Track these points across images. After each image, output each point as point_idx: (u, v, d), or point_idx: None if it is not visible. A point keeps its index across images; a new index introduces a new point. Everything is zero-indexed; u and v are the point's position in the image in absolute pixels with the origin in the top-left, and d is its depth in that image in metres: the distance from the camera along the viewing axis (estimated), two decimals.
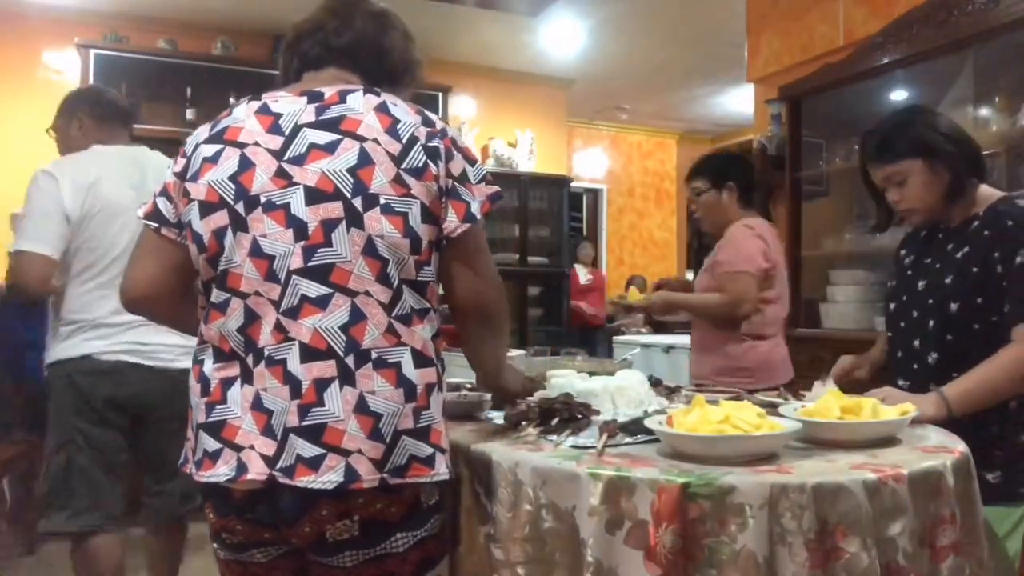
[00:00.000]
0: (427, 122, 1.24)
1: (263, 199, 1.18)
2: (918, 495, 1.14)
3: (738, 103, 6.95)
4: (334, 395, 1.13)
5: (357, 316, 1.15)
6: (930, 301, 1.67)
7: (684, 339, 4.43)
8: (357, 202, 1.16)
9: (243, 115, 1.25)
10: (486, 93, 6.56)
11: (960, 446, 1.31)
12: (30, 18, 5.20)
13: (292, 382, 1.14)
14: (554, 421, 1.38)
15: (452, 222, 1.22)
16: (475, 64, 6.36)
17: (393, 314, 1.17)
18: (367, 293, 1.16)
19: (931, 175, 1.65)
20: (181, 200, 1.23)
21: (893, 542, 1.09)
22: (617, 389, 1.57)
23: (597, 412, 1.48)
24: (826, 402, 1.37)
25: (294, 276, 1.15)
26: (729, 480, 1.06)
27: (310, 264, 1.15)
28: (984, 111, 2.89)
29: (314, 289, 1.15)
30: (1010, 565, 1.55)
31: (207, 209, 1.19)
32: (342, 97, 1.23)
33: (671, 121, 8.32)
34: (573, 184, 6.98)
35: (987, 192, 1.71)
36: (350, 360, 1.14)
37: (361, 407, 1.14)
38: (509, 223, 6.30)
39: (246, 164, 1.19)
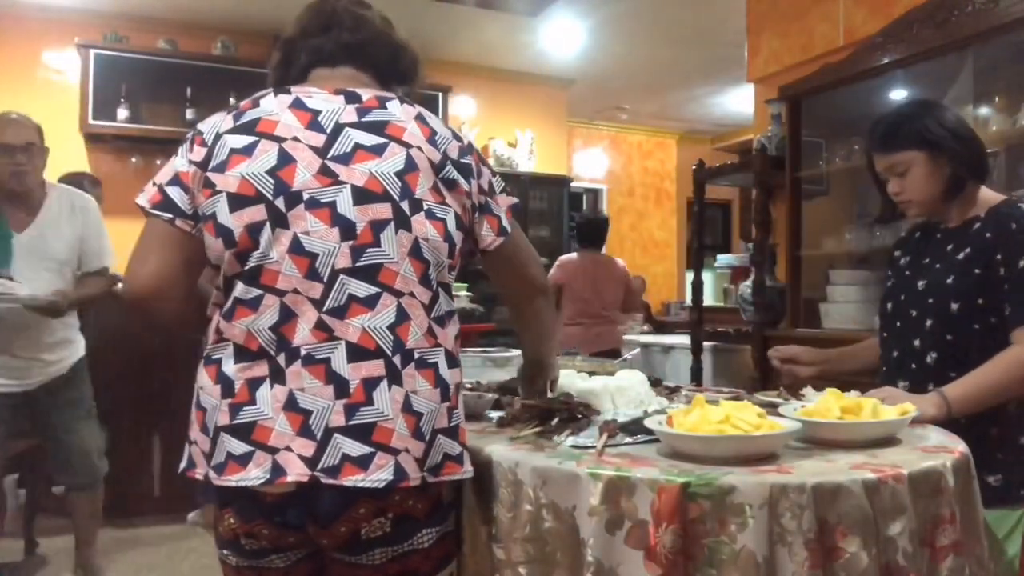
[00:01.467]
0: (456, 136, 1.28)
1: (306, 196, 1.15)
2: (918, 495, 1.14)
3: (738, 103, 6.95)
4: (383, 394, 1.13)
5: (402, 316, 1.17)
6: (930, 300, 1.66)
7: (684, 339, 4.44)
8: (404, 205, 1.18)
9: (275, 108, 1.22)
10: (486, 93, 6.57)
11: (960, 446, 1.31)
12: (30, 18, 5.20)
13: (337, 381, 1.13)
14: (554, 421, 1.38)
15: (488, 236, 1.30)
16: (475, 64, 6.36)
17: (432, 315, 1.20)
18: (411, 294, 1.18)
19: (932, 168, 1.65)
20: (202, 191, 1.18)
21: (893, 542, 1.09)
22: (617, 389, 1.57)
23: (597, 412, 1.48)
24: (826, 402, 1.37)
25: (341, 275, 1.14)
26: (729, 480, 1.06)
27: (358, 264, 1.15)
28: (984, 111, 2.88)
29: (362, 289, 1.15)
30: (1009, 566, 1.54)
31: (239, 202, 1.15)
32: (382, 103, 1.24)
33: (671, 121, 8.33)
34: (573, 184, 6.99)
35: (988, 194, 1.71)
36: (397, 359, 1.15)
37: (407, 406, 1.15)
38: None
39: (286, 159, 1.17)
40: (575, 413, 1.41)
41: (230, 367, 1.16)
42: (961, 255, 1.65)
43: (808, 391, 1.61)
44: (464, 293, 4.44)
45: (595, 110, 7.85)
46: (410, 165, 1.20)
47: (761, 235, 3.71)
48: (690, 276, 4.50)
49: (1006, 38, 2.76)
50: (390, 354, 1.15)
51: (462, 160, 1.26)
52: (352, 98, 1.24)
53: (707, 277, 4.59)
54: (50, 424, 2.83)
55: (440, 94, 6.07)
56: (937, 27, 2.90)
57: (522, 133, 6.55)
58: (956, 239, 1.69)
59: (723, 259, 5.25)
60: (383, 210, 1.17)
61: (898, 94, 3.31)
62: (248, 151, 1.17)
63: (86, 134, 5.20)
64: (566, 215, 6.58)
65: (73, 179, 3.83)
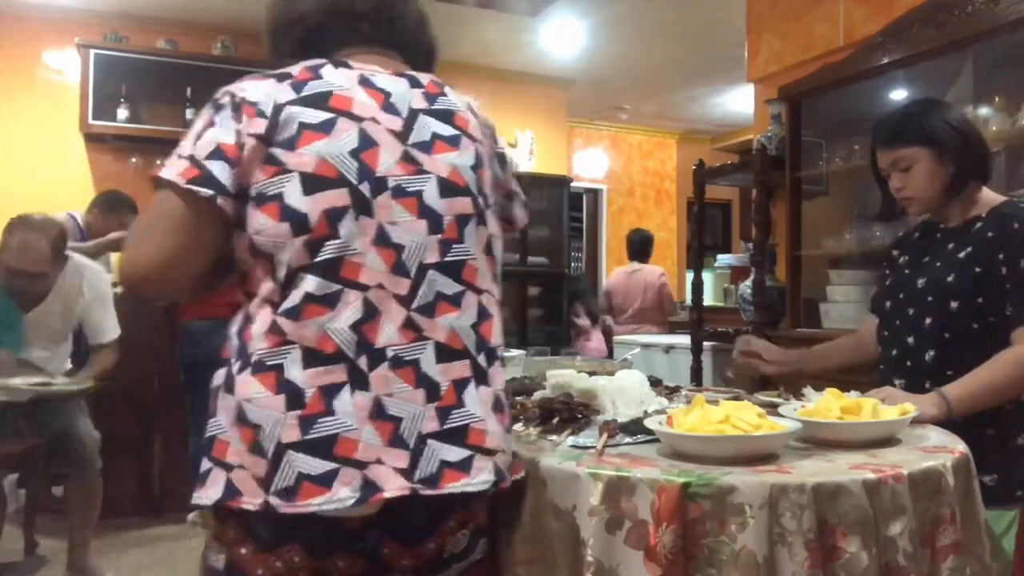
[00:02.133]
0: (491, 126, 1.26)
1: (391, 183, 1.08)
2: (918, 495, 1.14)
3: (738, 103, 6.95)
4: (472, 395, 1.09)
5: (483, 314, 1.13)
6: (929, 299, 1.67)
7: (684, 339, 4.44)
8: (480, 201, 1.16)
9: (345, 83, 1.11)
10: (486, 93, 6.48)
11: (960, 446, 1.31)
12: (30, 18, 5.20)
13: (427, 384, 1.06)
14: (554, 421, 1.38)
15: (521, 219, 1.32)
16: (475, 64, 6.35)
17: (501, 312, 1.18)
18: (488, 292, 1.15)
19: (936, 165, 1.66)
20: (262, 168, 1.05)
21: (893, 542, 1.09)
22: (617, 389, 1.57)
23: (597, 412, 1.48)
24: (826, 402, 1.37)
25: (430, 271, 1.08)
26: (729, 480, 1.06)
27: (446, 259, 1.10)
28: (984, 111, 2.88)
29: (450, 286, 1.10)
30: (1007, 565, 1.55)
31: (317, 184, 1.04)
32: (442, 89, 1.19)
33: (671, 121, 8.32)
34: (573, 184, 6.98)
35: (990, 195, 1.71)
36: (481, 359, 1.12)
37: (496, 405, 1.12)
38: None
39: (368, 141, 1.08)
40: (575, 413, 1.41)
41: (297, 373, 1.02)
42: (962, 254, 1.65)
43: (808, 391, 1.61)
44: None
45: (595, 110, 7.85)
46: (479, 161, 1.17)
47: (761, 235, 3.70)
48: (690, 276, 4.50)
49: (1006, 38, 2.76)
50: (475, 353, 1.11)
51: (499, 151, 1.25)
52: (414, 82, 1.17)
53: (707, 277, 4.59)
54: (48, 415, 2.95)
55: None
56: (937, 27, 2.90)
57: (522, 133, 6.55)
58: (957, 238, 1.69)
59: (723, 259, 5.24)
60: (466, 204, 1.13)
61: (898, 94, 3.31)
62: (326, 128, 1.06)
63: (86, 134, 5.19)
64: (566, 215, 6.57)
65: (111, 198, 3.91)
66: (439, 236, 1.10)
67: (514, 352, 2.16)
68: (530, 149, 6.54)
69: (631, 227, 8.65)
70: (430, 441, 1.04)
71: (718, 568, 1.04)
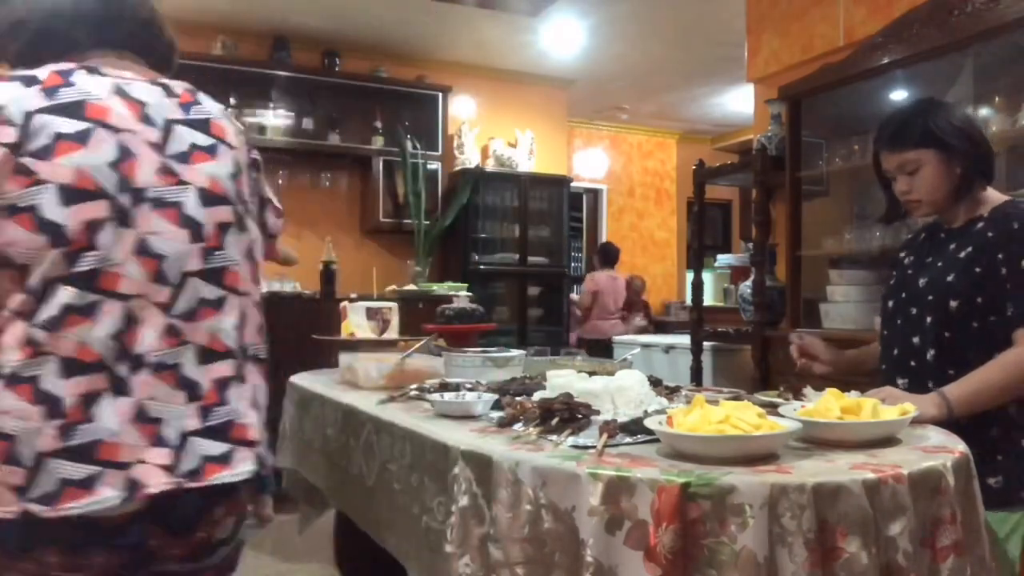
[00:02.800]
0: (243, 131, 1.32)
1: (151, 194, 1.11)
2: (918, 495, 1.14)
3: (738, 103, 6.95)
4: (235, 393, 1.16)
5: (244, 317, 1.20)
6: (930, 298, 1.66)
7: (684, 339, 4.44)
8: (240, 208, 1.22)
9: (99, 92, 1.11)
10: (486, 93, 6.56)
11: (960, 446, 1.30)
12: None
13: (188, 386, 1.11)
14: (554, 421, 1.38)
15: (276, 223, 1.40)
16: (475, 64, 6.36)
17: (261, 312, 1.27)
18: (250, 294, 1.22)
19: (944, 167, 1.65)
20: (13, 179, 1.02)
21: (893, 542, 1.09)
22: (617, 389, 1.57)
23: (597, 412, 1.48)
24: (826, 402, 1.37)
25: (191, 278, 1.13)
26: (729, 480, 1.06)
27: (208, 266, 1.15)
28: (984, 111, 2.88)
29: (212, 291, 1.15)
30: (1010, 568, 1.54)
31: (75, 196, 1.04)
32: (195, 97, 1.24)
33: (671, 121, 8.33)
34: (573, 184, 6.99)
35: (992, 195, 1.71)
36: (243, 358, 1.19)
37: (254, 402, 1.19)
38: (509, 223, 6.30)
39: (126, 153, 1.10)
40: (575, 413, 1.41)
41: (55, 384, 1.02)
42: (963, 254, 1.65)
43: (808, 391, 1.61)
44: (464, 293, 4.45)
45: (595, 110, 7.85)
46: (237, 169, 1.22)
47: (761, 235, 3.71)
48: (690, 276, 4.51)
49: (1006, 38, 2.76)
50: (238, 354, 1.18)
51: (255, 157, 1.32)
52: (168, 91, 1.21)
53: (707, 277, 4.59)
54: None
55: (440, 94, 6.07)
56: (937, 27, 2.90)
57: (522, 133, 6.55)
58: (959, 238, 1.69)
59: (723, 259, 5.25)
60: (226, 213, 1.19)
61: (898, 94, 3.31)
62: (82, 139, 1.07)
63: None
64: (566, 215, 6.57)
65: None
66: (201, 244, 1.14)
67: (514, 352, 2.16)
68: (530, 149, 6.54)
69: (631, 227, 8.71)
70: (192, 438, 1.09)
71: (718, 568, 1.04)
